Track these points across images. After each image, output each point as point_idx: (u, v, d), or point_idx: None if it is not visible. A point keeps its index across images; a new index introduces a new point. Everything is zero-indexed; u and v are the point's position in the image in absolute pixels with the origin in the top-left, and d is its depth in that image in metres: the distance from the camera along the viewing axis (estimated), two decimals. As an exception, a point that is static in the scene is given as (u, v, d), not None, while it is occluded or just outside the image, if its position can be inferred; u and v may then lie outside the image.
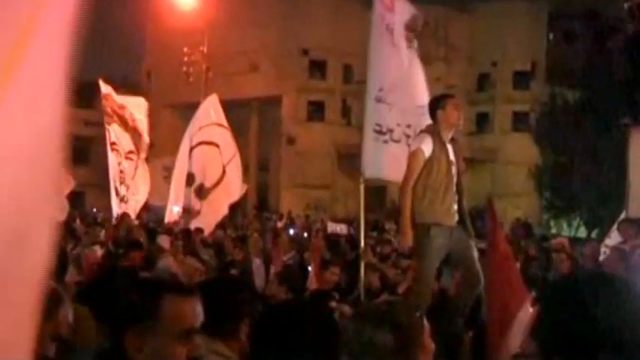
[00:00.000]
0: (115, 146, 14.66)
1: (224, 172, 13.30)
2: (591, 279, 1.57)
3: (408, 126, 7.19)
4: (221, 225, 14.72)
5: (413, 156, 5.91)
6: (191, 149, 13.51)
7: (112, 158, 14.62)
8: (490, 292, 3.58)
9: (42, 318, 0.89)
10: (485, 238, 4.82)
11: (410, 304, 2.78)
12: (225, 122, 13.83)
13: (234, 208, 15.00)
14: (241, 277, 8.28)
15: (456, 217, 5.91)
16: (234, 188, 13.55)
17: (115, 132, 14.70)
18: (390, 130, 7.18)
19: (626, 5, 10.60)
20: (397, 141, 7.17)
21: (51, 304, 2.88)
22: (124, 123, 14.94)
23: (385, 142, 7.17)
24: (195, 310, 2.27)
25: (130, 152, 14.92)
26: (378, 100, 7.20)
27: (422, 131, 6.11)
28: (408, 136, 7.12)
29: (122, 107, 15.07)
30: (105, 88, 15.06)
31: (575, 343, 1.44)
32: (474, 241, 6.07)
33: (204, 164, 13.40)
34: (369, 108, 7.31)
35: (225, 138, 13.66)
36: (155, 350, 2.20)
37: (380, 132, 7.16)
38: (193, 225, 12.70)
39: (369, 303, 5.27)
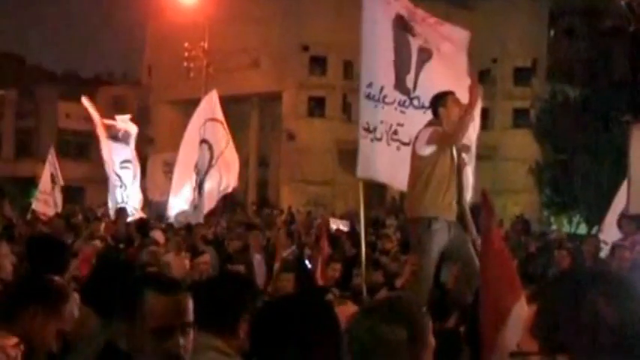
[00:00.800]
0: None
1: (210, 165, 13.41)
2: (591, 276, 1.58)
3: (386, 122, 7.02)
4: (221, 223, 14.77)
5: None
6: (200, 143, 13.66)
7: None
8: (485, 287, 3.57)
9: (47, 313, 0.88)
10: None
11: (415, 299, 2.78)
12: (220, 116, 13.85)
13: (234, 204, 15.01)
14: (243, 274, 8.28)
15: (456, 213, 5.92)
16: (224, 182, 13.58)
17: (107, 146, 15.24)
18: (375, 129, 6.99)
19: (623, 3, 10.58)
20: (379, 139, 6.99)
21: (56, 300, 2.88)
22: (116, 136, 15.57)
23: (371, 140, 7.00)
24: (175, 308, 2.24)
25: (125, 161, 15.49)
26: (367, 96, 7.00)
27: (427, 125, 6.10)
28: (387, 132, 7.00)
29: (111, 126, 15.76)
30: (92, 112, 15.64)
31: (577, 340, 1.45)
32: (477, 237, 6.05)
33: (203, 160, 13.52)
34: (361, 105, 7.12)
35: (217, 134, 13.70)
36: (140, 345, 2.20)
37: (367, 130, 6.99)
38: (191, 220, 12.81)
39: (377, 299, 5.26)
